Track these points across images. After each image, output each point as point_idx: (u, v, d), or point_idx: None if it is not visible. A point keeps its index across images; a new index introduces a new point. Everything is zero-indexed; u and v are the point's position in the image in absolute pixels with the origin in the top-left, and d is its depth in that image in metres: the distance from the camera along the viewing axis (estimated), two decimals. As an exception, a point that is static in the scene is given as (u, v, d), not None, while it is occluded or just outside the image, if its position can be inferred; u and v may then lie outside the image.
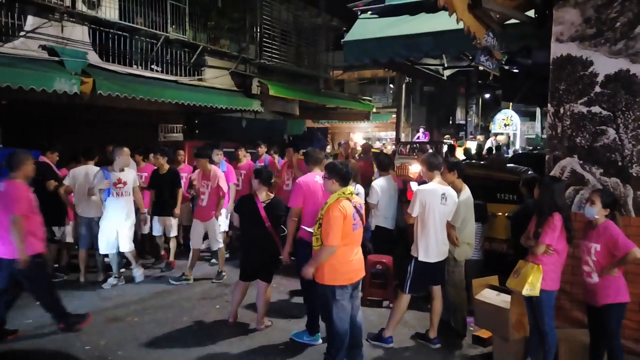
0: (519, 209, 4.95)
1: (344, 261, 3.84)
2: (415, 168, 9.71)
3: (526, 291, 3.73)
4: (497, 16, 5.01)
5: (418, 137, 19.04)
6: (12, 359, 4.38)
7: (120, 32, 9.99)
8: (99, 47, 9.59)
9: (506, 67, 7.75)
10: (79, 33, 9.07)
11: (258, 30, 14.12)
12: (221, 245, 6.69)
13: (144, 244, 7.76)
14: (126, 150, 6.34)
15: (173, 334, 4.94)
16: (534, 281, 3.70)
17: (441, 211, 4.45)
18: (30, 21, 8.27)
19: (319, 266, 3.87)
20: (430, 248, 4.45)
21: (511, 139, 15.75)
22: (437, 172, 4.57)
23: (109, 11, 9.53)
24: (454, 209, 4.57)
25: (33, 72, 7.49)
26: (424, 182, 4.80)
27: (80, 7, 8.96)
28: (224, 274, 6.67)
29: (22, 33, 8.17)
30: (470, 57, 7.66)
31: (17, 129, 8.06)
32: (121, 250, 6.30)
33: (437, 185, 4.50)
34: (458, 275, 4.83)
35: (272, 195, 4.98)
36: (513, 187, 5.96)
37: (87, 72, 8.51)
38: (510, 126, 15.33)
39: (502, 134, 15.49)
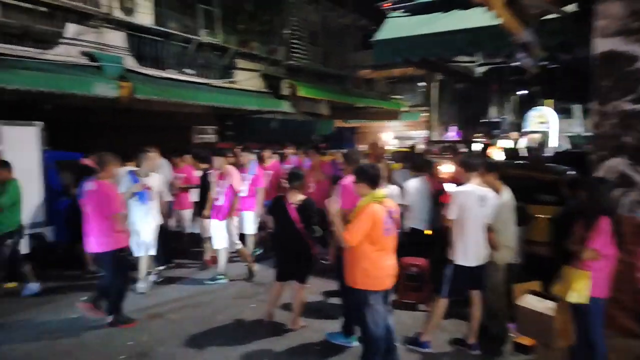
0: (561, 211, 4.77)
1: (377, 266, 3.78)
2: (447, 168, 9.50)
3: (573, 298, 3.59)
4: (536, 11, 4.87)
5: (449, 136, 18.68)
6: (57, 353, 4.49)
7: (155, 37, 10.20)
8: (135, 52, 9.81)
9: (544, 64, 7.54)
10: (116, 39, 9.32)
11: (287, 32, 14.18)
12: (235, 245, 6.63)
13: (186, 243, 7.90)
14: (151, 155, 6.20)
15: (210, 332, 5.01)
16: (581, 288, 3.55)
17: (480, 214, 4.33)
18: (71, 29, 8.58)
19: (351, 269, 3.84)
20: (468, 252, 4.34)
21: (548, 137, 15.20)
22: (475, 174, 4.45)
23: (144, 17, 9.77)
24: (493, 212, 4.44)
25: (74, 77, 7.83)
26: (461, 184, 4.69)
27: (117, 13, 9.19)
28: (221, 277, 6.58)
29: (63, 40, 8.47)
30: (506, 54, 7.50)
31: (61, 133, 8.33)
32: (150, 253, 6.31)
33: (475, 187, 4.38)
34: (498, 280, 4.68)
35: (303, 197, 4.95)
36: (554, 187, 5.77)
37: (125, 76, 8.75)
38: (545, 124, 14.77)
39: (536, 132, 14.96)
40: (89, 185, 4.94)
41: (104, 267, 5.08)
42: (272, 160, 8.29)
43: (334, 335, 4.79)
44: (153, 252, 6.27)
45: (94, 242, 4.94)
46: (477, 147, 13.34)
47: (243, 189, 7.01)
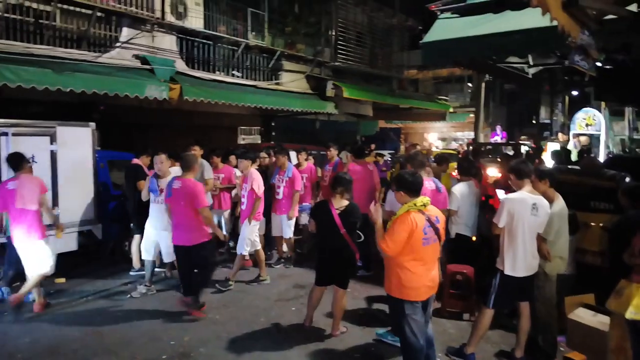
0: (619, 221, 4.54)
1: (413, 277, 3.69)
2: (492, 172, 9.21)
3: (630, 314, 3.41)
4: (594, 13, 4.66)
5: (494, 137, 18.11)
6: (101, 350, 4.62)
7: (205, 40, 10.44)
8: (184, 54, 10.08)
9: (600, 65, 7.21)
10: (168, 42, 9.62)
11: (333, 33, 14.21)
12: (255, 248, 6.49)
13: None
14: (162, 157, 5.93)
15: (251, 334, 5.05)
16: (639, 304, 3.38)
17: (531, 222, 4.18)
18: (125, 33, 8.92)
19: (388, 277, 3.81)
20: (518, 261, 4.20)
21: (597, 140, 14.38)
22: (527, 180, 4.29)
23: (195, 21, 10.00)
24: (546, 221, 4.28)
25: (127, 80, 8.11)
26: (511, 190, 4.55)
27: (169, 18, 9.46)
28: (262, 279, 6.61)
29: (117, 44, 8.83)
30: (559, 54, 7.22)
31: (112, 133, 8.67)
32: (165, 261, 6.28)
33: (527, 195, 4.23)
34: (549, 291, 4.51)
35: (347, 202, 4.88)
36: (609, 194, 5.51)
37: (175, 79, 8.99)
38: (592, 126, 13.96)
39: (583, 134, 14.21)
40: (176, 184, 5.30)
41: (195, 258, 5.40)
42: (307, 162, 8.16)
43: (383, 334, 4.83)
44: (169, 259, 6.11)
45: (185, 237, 5.31)
46: (523, 149, 12.90)
47: (278, 191, 7.08)
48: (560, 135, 16.45)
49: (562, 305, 4.27)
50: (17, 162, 5.38)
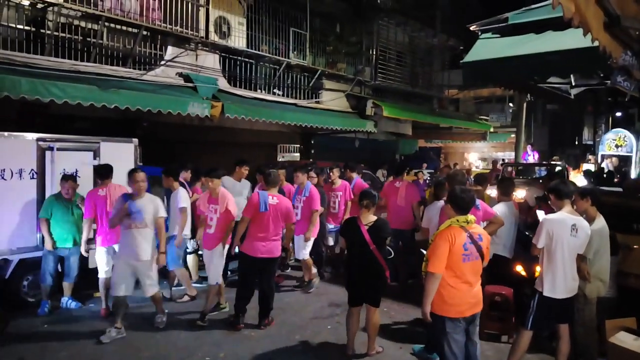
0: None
1: (455, 293, 3.67)
2: (521, 194, 8.97)
3: (673, 339, 3.33)
4: (637, 33, 4.61)
5: (526, 158, 17.61)
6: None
7: (247, 59, 10.75)
8: (227, 73, 10.38)
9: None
10: (211, 61, 9.95)
11: (374, 52, 14.39)
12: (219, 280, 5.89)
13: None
14: (140, 175, 5.26)
15: (286, 352, 5.06)
16: (683, 329, 3.29)
17: (571, 243, 4.13)
18: (170, 51, 9.25)
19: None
20: (557, 283, 4.14)
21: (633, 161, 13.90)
22: (567, 201, 4.25)
23: (238, 40, 10.31)
24: (586, 242, 4.22)
25: (171, 97, 8.35)
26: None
27: (213, 37, 9.79)
28: (222, 306, 6.09)
29: (162, 62, 9.17)
30: (602, 75, 7.11)
31: (155, 149, 8.92)
32: (146, 295, 5.45)
33: (566, 215, 4.19)
34: (589, 314, 4.42)
35: (375, 218, 4.83)
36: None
37: (217, 96, 9.24)
38: (623, 147, 13.50)
39: (615, 156, 13.78)
40: (272, 200, 5.53)
41: (269, 271, 5.66)
42: (341, 180, 7.81)
43: (419, 352, 4.88)
44: (150, 292, 5.43)
45: (268, 249, 5.52)
46: (556, 169, 12.64)
47: (296, 212, 6.46)
48: (590, 156, 16.06)
49: (603, 329, 4.17)
50: (106, 172, 5.87)
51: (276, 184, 5.72)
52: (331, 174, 7.81)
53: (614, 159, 13.59)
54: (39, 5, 7.56)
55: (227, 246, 5.84)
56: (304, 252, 7.00)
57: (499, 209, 5.81)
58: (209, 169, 5.88)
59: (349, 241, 4.90)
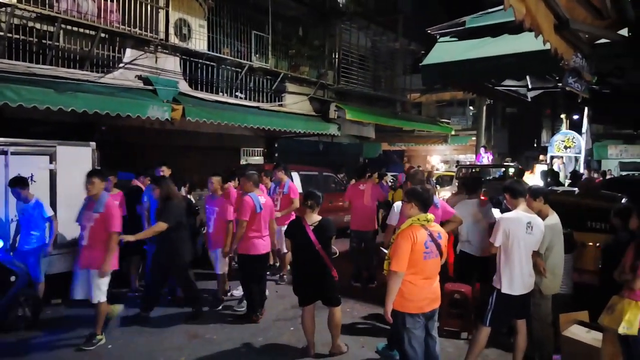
0: (611, 240, 4.60)
1: (414, 289, 3.72)
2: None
3: (622, 329, 3.44)
4: (586, 36, 4.77)
5: (481, 160, 17.95)
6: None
7: (208, 62, 10.63)
8: (188, 76, 10.23)
9: (596, 88, 7.31)
10: (171, 63, 9.77)
11: (336, 56, 14.44)
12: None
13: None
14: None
15: (249, 354, 5.05)
16: (631, 319, 3.41)
17: (527, 241, 4.24)
18: (129, 53, 9.04)
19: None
20: (514, 280, 4.23)
21: (579, 161, 14.51)
22: (521, 200, 4.37)
23: (199, 43, 10.18)
24: (541, 239, 4.33)
25: (130, 100, 8.16)
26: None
27: (173, 39, 9.64)
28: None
29: (121, 65, 8.95)
30: (557, 78, 7.33)
31: (114, 153, 8.70)
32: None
33: (522, 214, 4.29)
34: (544, 309, 4.54)
35: (319, 218, 4.86)
36: (605, 215, 5.56)
37: (177, 99, 9.10)
38: (571, 148, 14.06)
39: (561, 157, 14.35)
40: (262, 199, 5.89)
41: (262, 267, 6.07)
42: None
43: (382, 350, 4.93)
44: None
45: (262, 247, 5.85)
46: (511, 171, 13.01)
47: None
48: (541, 156, 16.63)
49: (558, 323, 4.28)
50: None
51: (259, 183, 6.02)
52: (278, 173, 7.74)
53: (559, 159, 14.11)
54: (-10, 6, 7.29)
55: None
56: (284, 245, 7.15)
57: (459, 207, 5.89)
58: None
59: (294, 242, 4.92)
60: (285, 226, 6.75)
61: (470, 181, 6.47)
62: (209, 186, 6.58)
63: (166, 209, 5.75)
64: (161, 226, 5.66)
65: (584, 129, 14.30)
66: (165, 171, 7.00)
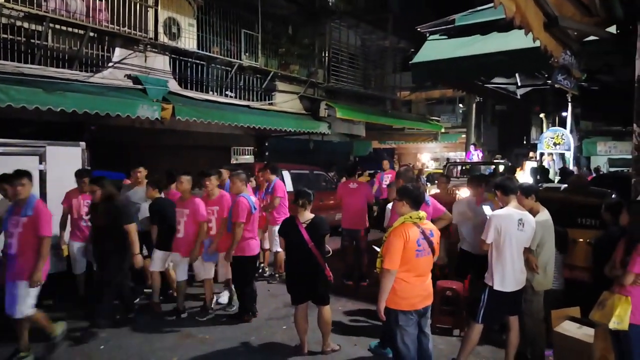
0: (601, 236, 4.63)
1: (407, 287, 3.72)
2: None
3: (613, 324, 3.47)
4: (575, 34, 4.81)
5: (471, 157, 17.97)
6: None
7: (198, 61, 10.58)
8: (178, 75, 10.18)
9: (585, 85, 7.39)
10: (161, 62, 9.72)
11: (326, 54, 14.43)
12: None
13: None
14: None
15: (241, 354, 5.03)
16: (621, 314, 3.44)
17: (518, 238, 4.25)
18: (118, 53, 8.98)
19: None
20: (506, 277, 4.24)
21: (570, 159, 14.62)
22: (513, 197, 4.38)
23: (188, 41, 10.13)
24: (532, 235, 4.35)
25: (119, 99, 8.10)
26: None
27: (162, 38, 9.58)
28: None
29: (110, 64, 8.89)
30: (546, 75, 7.39)
31: (104, 153, 8.65)
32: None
33: (513, 211, 4.31)
34: (536, 305, 4.56)
35: (312, 216, 4.85)
36: (595, 211, 5.60)
37: (167, 98, 9.05)
38: (561, 145, 14.17)
39: (550, 154, 14.43)
40: (254, 200, 5.93)
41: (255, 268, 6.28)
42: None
43: (376, 347, 4.92)
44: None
45: (259, 243, 6.04)
46: (501, 168, 13.06)
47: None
48: (531, 153, 16.72)
49: (550, 319, 4.31)
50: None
51: (247, 183, 6.00)
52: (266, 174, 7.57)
53: (548, 156, 14.22)
54: (-24, 5, 7.19)
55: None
56: (275, 244, 7.24)
57: (455, 206, 5.86)
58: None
59: (287, 240, 4.91)
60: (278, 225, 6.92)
61: (471, 180, 6.39)
62: (177, 186, 6.10)
63: (118, 210, 5.49)
64: (132, 228, 5.52)
65: (568, 127, 14.40)
66: (142, 172, 6.85)
